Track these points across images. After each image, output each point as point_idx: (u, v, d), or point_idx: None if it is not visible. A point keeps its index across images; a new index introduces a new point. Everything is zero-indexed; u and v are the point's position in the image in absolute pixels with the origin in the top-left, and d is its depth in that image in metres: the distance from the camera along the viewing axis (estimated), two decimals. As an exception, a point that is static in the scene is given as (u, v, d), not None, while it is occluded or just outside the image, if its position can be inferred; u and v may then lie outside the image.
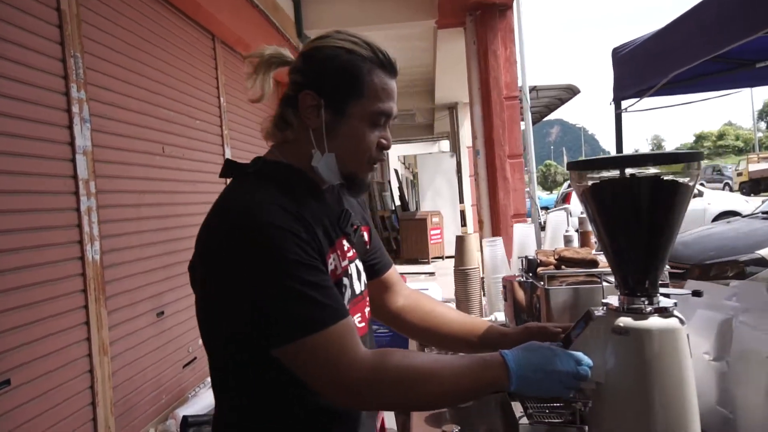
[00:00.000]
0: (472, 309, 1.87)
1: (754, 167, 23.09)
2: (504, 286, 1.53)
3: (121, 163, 2.88)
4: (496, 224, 5.05)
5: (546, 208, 10.09)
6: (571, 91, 9.04)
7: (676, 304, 0.91)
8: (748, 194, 18.91)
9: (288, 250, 0.82)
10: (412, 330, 1.18)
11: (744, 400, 1.01)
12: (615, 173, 0.90)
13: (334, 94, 0.92)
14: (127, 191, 2.94)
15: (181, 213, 3.41)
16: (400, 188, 13.67)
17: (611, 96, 3.35)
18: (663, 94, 3.42)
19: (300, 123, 0.94)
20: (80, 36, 2.55)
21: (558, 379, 0.85)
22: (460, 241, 1.89)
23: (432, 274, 8.50)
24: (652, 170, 0.90)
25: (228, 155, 4.21)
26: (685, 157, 0.89)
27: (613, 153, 2.96)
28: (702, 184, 17.49)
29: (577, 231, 1.69)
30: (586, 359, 0.88)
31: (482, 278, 1.96)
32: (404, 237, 10.21)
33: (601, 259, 1.31)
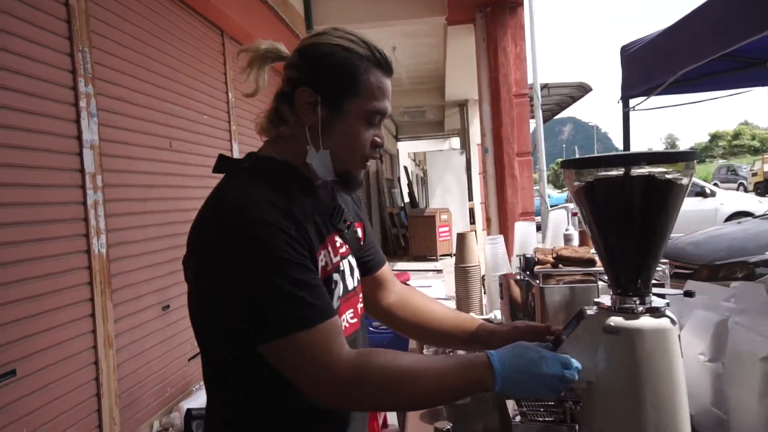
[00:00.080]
0: (472, 307, 1.87)
1: (769, 167, 22.79)
2: (501, 284, 1.53)
3: (128, 158, 2.90)
4: (504, 222, 5.04)
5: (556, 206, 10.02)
6: (583, 89, 8.97)
7: (668, 304, 0.91)
8: (762, 195, 18.67)
9: (278, 247, 0.82)
10: (403, 326, 1.18)
11: (737, 401, 1.00)
12: (608, 172, 0.89)
13: (331, 91, 0.92)
14: (134, 185, 2.96)
15: (187, 207, 3.44)
16: (410, 185, 13.66)
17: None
18: (673, 93, 3.38)
19: (295, 119, 0.95)
20: (88, 31, 2.57)
21: (543, 381, 0.85)
22: (461, 238, 1.88)
23: (440, 271, 8.48)
24: (651, 169, 0.89)
25: (236, 150, 4.23)
26: (679, 157, 0.89)
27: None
28: (716, 184, 17.29)
29: (576, 229, 1.68)
30: (574, 362, 0.87)
31: (483, 276, 1.95)
32: (413, 234, 10.20)
33: (600, 258, 1.30)
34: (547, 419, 1.10)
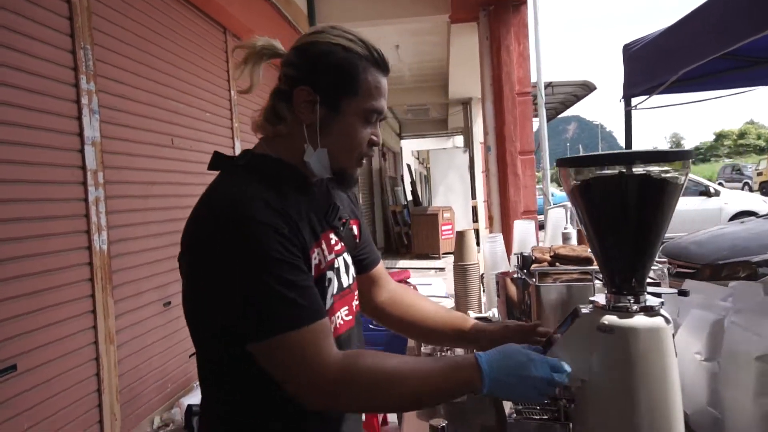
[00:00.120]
0: (470, 305, 1.87)
1: (774, 167, 22.66)
2: (497, 282, 1.53)
3: (129, 155, 2.91)
4: (506, 220, 5.02)
5: (561, 206, 9.99)
6: (587, 88, 8.93)
7: (662, 303, 0.90)
8: (767, 194, 18.56)
9: (270, 247, 0.82)
10: (394, 323, 1.19)
11: (732, 401, 1.00)
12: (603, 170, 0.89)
13: (330, 90, 0.92)
14: (135, 182, 2.97)
15: (188, 205, 3.40)
16: (413, 183, 13.65)
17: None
18: (676, 92, 3.37)
19: (293, 118, 0.95)
20: (90, 28, 2.58)
21: (532, 384, 0.85)
22: (460, 237, 1.88)
23: (442, 269, 8.48)
24: (646, 168, 0.89)
25: (238, 148, 4.24)
26: (674, 156, 0.88)
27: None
28: (720, 184, 17.20)
29: (574, 228, 1.67)
30: (563, 366, 0.87)
31: (482, 275, 1.95)
32: (415, 232, 10.20)
33: (597, 256, 1.30)
34: (543, 417, 1.10)
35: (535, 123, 5.22)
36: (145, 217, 3.05)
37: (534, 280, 1.26)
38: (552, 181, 6.17)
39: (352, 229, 1.08)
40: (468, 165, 10.98)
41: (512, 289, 1.43)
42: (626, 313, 0.88)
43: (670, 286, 1.18)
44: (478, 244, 2.18)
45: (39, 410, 2.20)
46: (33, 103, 2.23)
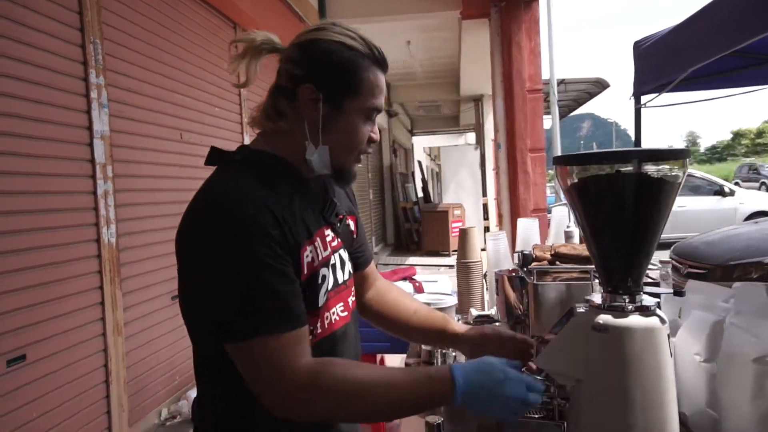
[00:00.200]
0: (473, 302, 1.86)
1: (792, 167, 22.32)
2: (497, 281, 1.52)
3: (138, 149, 2.94)
4: (516, 218, 5.00)
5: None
6: (600, 85, 8.86)
7: (659, 303, 0.90)
8: (784, 195, 18.27)
9: (258, 250, 0.82)
10: (378, 319, 1.21)
11: (729, 402, 0.99)
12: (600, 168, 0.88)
13: (333, 89, 0.92)
14: (144, 176, 3.00)
15: (197, 199, 3.47)
16: (423, 180, 13.63)
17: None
18: (688, 89, 3.33)
19: (294, 115, 0.95)
20: (100, 22, 2.60)
21: (504, 403, 0.85)
22: (463, 234, 1.88)
23: (452, 266, 8.47)
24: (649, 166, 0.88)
25: (248, 143, 4.25)
26: (671, 155, 0.87)
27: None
28: (737, 183, 16.97)
29: (577, 226, 1.66)
30: (538, 385, 0.87)
31: (485, 272, 1.95)
32: (425, 229, 10.19)
33: (598, 256, 1.29)
34: (540, 416, 1.10)
35: (548, 120, 5.19)
36: (154, 210, 3.08)
37: (532, 278, 1.25)
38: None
39: (349, 225, 1.08)
40: (479, 162, 10.94)
41: (511, 288, 1.43)
42: (621, 312, 0.88)
43: (680, 287, 1.17)
44: (486, 241, 2.17)
45: (47, 400, 2.23)
46: (42, 96, 2.26)
